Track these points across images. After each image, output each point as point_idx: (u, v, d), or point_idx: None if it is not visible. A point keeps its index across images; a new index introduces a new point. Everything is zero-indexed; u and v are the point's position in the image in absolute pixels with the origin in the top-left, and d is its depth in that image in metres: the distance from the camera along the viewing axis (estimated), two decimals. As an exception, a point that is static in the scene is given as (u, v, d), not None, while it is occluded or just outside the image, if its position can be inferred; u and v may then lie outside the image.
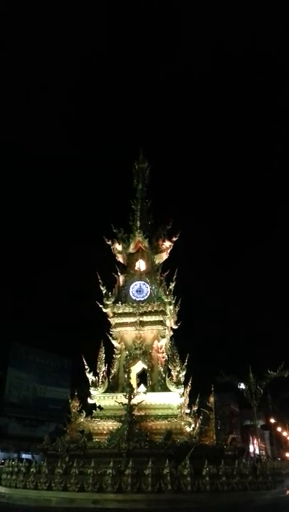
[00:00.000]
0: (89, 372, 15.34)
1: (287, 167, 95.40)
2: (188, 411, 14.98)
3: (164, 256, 17.63)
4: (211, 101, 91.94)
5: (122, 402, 13.39)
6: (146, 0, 72.50)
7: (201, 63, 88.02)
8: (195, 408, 14.97)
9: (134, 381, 15.32)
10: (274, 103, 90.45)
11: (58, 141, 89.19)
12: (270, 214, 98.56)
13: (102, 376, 15.37)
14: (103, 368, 15.51)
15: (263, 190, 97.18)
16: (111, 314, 16.21)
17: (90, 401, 15.29)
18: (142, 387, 15.39)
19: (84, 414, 14.83)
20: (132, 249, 17.45)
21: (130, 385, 14.12)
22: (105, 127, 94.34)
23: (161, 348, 15.74)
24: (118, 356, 15.98)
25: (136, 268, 17.27)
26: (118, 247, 17.60)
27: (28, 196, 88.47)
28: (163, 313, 15.80)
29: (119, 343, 16.05)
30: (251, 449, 49.35)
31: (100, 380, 15.24)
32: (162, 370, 15.28)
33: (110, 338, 16.22)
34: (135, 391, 14.07)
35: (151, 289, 16.53)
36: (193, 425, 14.04)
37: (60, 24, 75.23)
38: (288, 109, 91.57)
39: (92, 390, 15.16)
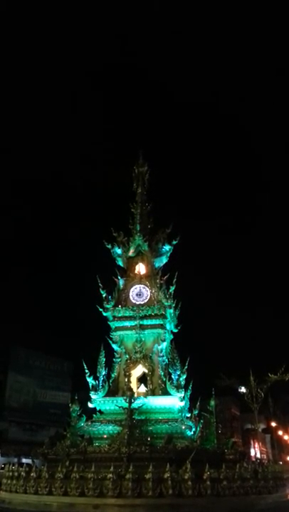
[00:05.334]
0: (89, 376, 15.31)
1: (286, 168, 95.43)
2: (188, 415, 14.96)
3: (164, 259, 17.61)
4: (208, 104, 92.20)
5: (122, 406, 13.36)
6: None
7: (197, 71, 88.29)
8: (196, 412, 14.94)
9: (134, 385, 15.29)
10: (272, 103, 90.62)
11: (57, 145, 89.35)
12: (270, 214, 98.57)
13: (103, 380, 15.36)
14: (103, 372, 15.50)
15: (263, 190, 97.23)
16: (111, 318, 16.18)
17: (90, 405, 15.26)
18: (142, 388, 15.35)
19: (84, 418, 14.78)
20: (131, 252, 17.44)
21: (130, 389, 14.09)
22: (105, 131, 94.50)
23: (161, 352, 15.71)
24: (118, 360, 15.94)
25: (136, 271, 17.26)
26: (118, 250, 17.58)
27: (28, 199, 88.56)
28: (163, 316, 15.78)
29: (119, 347, 16.02)
30: (252, 453, 49.14)
31: (100, 384, 15.22)
32: (163, 373, 15.24)
33: (110, 341, 16.20)
34: (135, 394, 14.03)
35: (151, 292, 16.51)
36: (194, 429, 14.00)
37: (63, 30, 75.57)
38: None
39: (92, 394, 15.12)
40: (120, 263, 17.64)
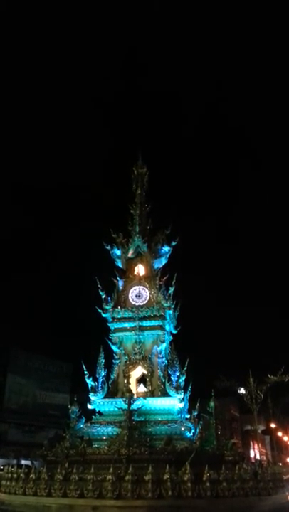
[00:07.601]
0: (88, 377, 15.31)
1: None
2: (188, 416, 14.95)
3: (163, 260, 17.62)
4: (208, 104, 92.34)
5: (121, 408, 13.34)
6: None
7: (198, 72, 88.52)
8: (195, 413, 14.93)
9: (133, 386, 15.27)
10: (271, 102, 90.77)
11: (56, 146, 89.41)
12: (271, 213, 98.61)
13: (102, 381, 15.35)
14: (103, 374, 15.49)
15: (264, 189, 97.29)
16: (110, 319, 16.19)
17: (89, 407, 15.24)
18: (141, 389, 15.33)
19: (83, 419, 14.76)
20: (131, 254, 17.44)
21: (130, 391, 14.08)
22: (104, 132, 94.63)
23: (160, 353, 15.70)
24: (118, 361, 15.93)
25: (135, 273, 17.26)
26: (117, 251, 17.58)
27: (27, 201, 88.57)
28: (162, 317, 15.78)
29: (118, 348, 16.00)
30: (252, 454, 49.08)
31: (100, 386, 15.21)
32: (162, 375, 15.23)
33: (110, 343, 16.19)
34: (135, 396, 14.02)
35: (150, 293, 16.51)
36: (193, 430, 13.98)
37: (62, 33, 75.76)
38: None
39: (91, 396, 15.12)
40: (119, 264, 17.63)
